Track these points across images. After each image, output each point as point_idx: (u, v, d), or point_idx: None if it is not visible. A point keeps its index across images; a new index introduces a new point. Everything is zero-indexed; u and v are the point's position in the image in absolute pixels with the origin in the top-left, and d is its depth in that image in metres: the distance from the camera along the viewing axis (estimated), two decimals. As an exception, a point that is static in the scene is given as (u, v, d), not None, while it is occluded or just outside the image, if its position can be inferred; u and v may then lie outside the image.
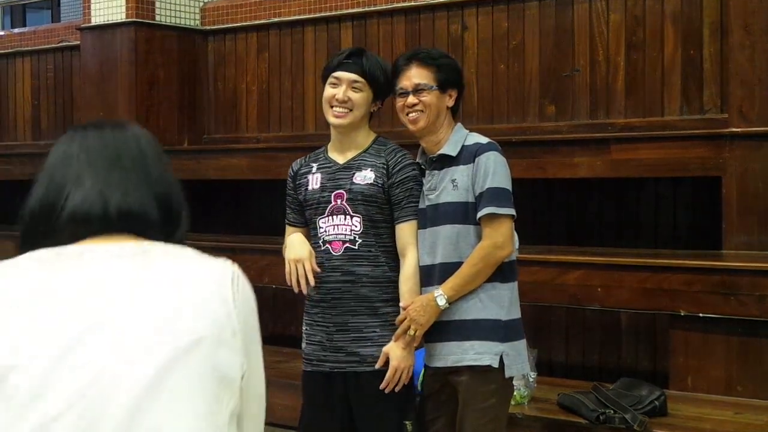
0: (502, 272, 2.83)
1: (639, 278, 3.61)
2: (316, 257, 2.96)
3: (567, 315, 4.23)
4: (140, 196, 1.40)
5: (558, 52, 4.72)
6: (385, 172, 2.92)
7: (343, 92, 2.92)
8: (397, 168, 2.92)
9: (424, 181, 2.91)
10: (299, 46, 5.59)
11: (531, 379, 3.43)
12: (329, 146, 3.06)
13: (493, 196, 2.77)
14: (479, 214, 2.78)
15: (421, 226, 2.89)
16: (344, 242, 2.92)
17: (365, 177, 2.92)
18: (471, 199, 2.80)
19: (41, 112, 6.80)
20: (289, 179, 3.10)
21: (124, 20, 5.76)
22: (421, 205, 2.90)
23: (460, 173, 2.82)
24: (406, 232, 2.91)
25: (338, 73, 2.94)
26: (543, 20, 4.76)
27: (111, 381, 1.24)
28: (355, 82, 2.92)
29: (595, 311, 4.07)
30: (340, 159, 2.99)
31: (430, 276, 2.86)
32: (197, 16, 6.05)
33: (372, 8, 5.29)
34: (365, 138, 3.00)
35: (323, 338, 2.96)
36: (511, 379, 2.87)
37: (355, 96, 2.92)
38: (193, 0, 6.04)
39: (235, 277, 1.38)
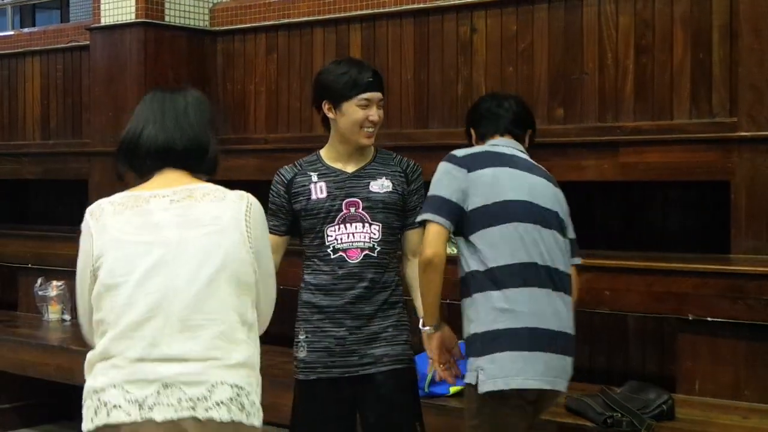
0: (461, 287, 2.85)
1: (647, 282, 3.60)
2: (325, 266, 2.97)
3: (574, 318, 4.22)
4: (181, 136, 2.32)
5: (567, 56, 4.71)
6: (404, 179, 3.00)
7: (375, 113, 2.95)
8: (415, 175, 3.04)
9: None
10: (308, 47, 5.60)
11: (538, 382, 3.41)
12: (325, 155, 3.06)
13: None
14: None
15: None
16: (362, 249, 2.95)
17: (383, 185, 2.97)
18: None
19: (50, 112, 6.81)
20: (279, 186, 3.06)
21: (133, 20, 5.77)
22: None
23: None
24: (417, 237, 2.96)
25: (370, 95, 2.95)
26: (552, 23, 4.75)
27: (174, 294, 2.12)
28: (381, 100, 2.98)
29: (602, 315, 4.07)
30: (348, 168, 3.01)
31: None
32: (206, 17, 6.06)
33: (381, 10, 5.28)
34: (369, 148, 3.05)
35: (330, 344, 2.97)
36: (496, 395, 2.66)
37: (381, 113, 2.98)
38: (202, 1, 6.06)
39: (248, 206, 2.29)
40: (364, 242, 2.95)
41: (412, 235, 3.02)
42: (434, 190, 2.83)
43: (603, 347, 4.29)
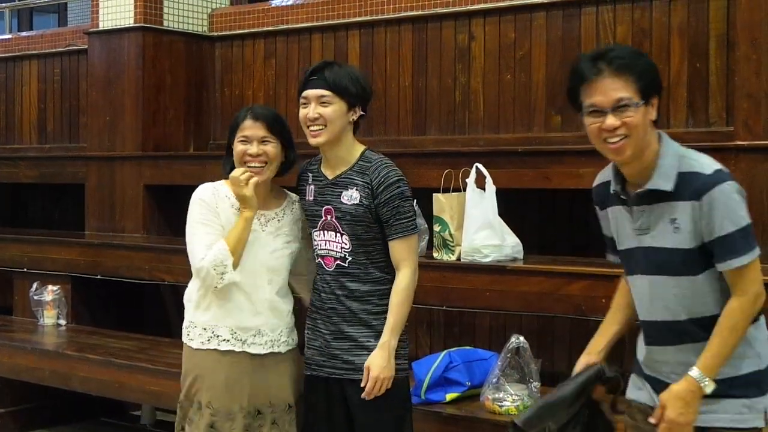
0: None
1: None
2: (318, 267, 3.03)
3: (571, 325, 4.23)
4: None
5: (564, 63, 4.72)
6: (369, 192, 2.91)
7: (312, 110, 2.90)
8: (381, 188, 2.90)
9: (629, 218, 2.42)
10: (306, 53, 5.61)
11: (535, 389, 3.43)
12: (322, 158, 3.07)
13: (733, 241, 2.29)
14: (721, 267, 2.32)
15: (632, 271, 2.47)
16: (335, 259, 2.95)
17: (351, 197, 2.93)
18: (696, 244, 2.32)
19: (47, 116, 6.82)
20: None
21: (132, 25, 5.79)
22: (629, 245, 2.45)
23: (680, 212, 2.33)
24: (397, 249, 2.92)
25: (306, 92, 2.93)
26: (550, 31, 4.77)
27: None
28: (322, 96, 2.89)
29: (598, 322, 4.06)
30: (330, 174, 3.00)
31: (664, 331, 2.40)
32: (205, 22, 6.07)
33: (379, 17, 5.30)
34: (350, 152, 2.98)
35: (322, 344, 3.01)
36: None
37: (326, 111, 2.89)
38: (201, 6, 6.07)
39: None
40: (336, 252, 2.95)
41: (392, 247, 2.93)
42: (740, 221, 2.32)
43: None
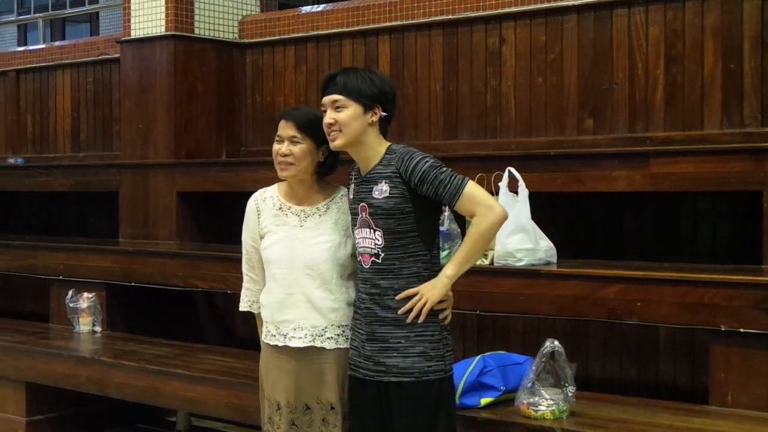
0: None
1: (679, 293, 3.58)
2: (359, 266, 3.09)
3: (605, 329, 4.22)
4: None
5: (596, 66, 4.73)
6: (400, 180, 2.92)
7: (328, 116, 2.98)
8: (410, 170, 2.90)
9: None
10: (336, 59, 5.63)
11: (570, 394, 3.43)
12: None
13: None
14: None
15: None
16: (370, 256, 2.98)
17: (382, 191, 2.94)
18: None
19: (81, 125, 6.89)
20: None
21: (163, 33, 5.85)
22: None
23: None
24: (462, 208, 2.91)
25: (323, 100, 3.04)
26: (581, 34, 4.77)
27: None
28: (336, 101, 2.96)
29: (633, 326, 4.06)
30: (364, 170, 3.04)
31: None
32: (235, 30, 6.12)
33: (410, 21, 5.32)
34: (376, 150, 2.99)
35: (359, 345, 3.04)
36: None
37: (340, 115, 2.95)
38: (231, 13, 6.11)
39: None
40: (371, 248, 2.97)
41: (458, 210, 2.94)
42: None
43: (634, 359, 4.28)
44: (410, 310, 2.92)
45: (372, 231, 2.96)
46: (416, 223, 2.94)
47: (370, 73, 3.04)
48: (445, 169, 2.91)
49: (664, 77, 4.52)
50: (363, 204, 2.99)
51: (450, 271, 2.94)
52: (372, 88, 2.96)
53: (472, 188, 2.91)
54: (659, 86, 4.54)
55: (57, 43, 7.82)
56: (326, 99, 3.00)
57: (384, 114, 2.99)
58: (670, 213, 4.45)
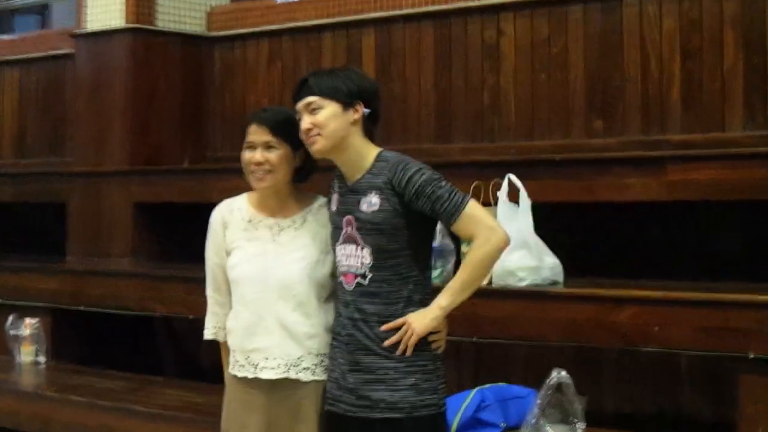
0: None
1: (701, 315, 3.55)
2: (337, 288, 3.00)
3: (619, 357, 4.19)
4: None
5: (605, 61, 4.77)
6: (392, 192, 2.87)
7: (305, 122, 2.92)
8: (404, 182, 2.85)
9: None
10: (316, 53, 5.65)
11: (580, 431, 3.42)
12: None
13: None
14: None
15: None
16: (355, 276, 2.91)
17: (371, 203, 2.89)
18: None
19: (27, 128, 6.89)
20: None
21: (122, 26, 5.85)
22: None
23: None
24: (461, 228, 2.87)
25: (296, 106, 2.98)
26: (588, 25, 4.81)
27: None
28: (310, 104, 2.90)
29: (650, 353, 4.02)
30: (350, 179, 2.98)
31: None
32: (202, 22, 6.14)
33: (397, 12, 5.35)
34: (363, 155, 2.95)
35: (339, 376, 2.96)
36: None
37: (317, 118, 2.90)
38: (198, 3, 6.14)
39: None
40: (357, 267, 2.91)
41: (455, 231, 2.91)
42: None
43: (651, 390, 4.25)
44: (398, 342, 2.86)
45: (359, 248, 2.90)
46: (409, 241, 2.89)
47: (345, 71, 3.03)
48: (444, 183, 2.87)
49: (680, 73, 4.56)
50: (349, 217, 2.93)
51: (444, 301, 2.88)
52: (348, 83, 2.93)
53: (474, 208, 2.87)
54: (675, 83, 4.57)
55: (4, 37, 7.81)
56: (300, 104, 2.94)
57: (367, 111, 2.94)
58: (689, 225, 4.44)
